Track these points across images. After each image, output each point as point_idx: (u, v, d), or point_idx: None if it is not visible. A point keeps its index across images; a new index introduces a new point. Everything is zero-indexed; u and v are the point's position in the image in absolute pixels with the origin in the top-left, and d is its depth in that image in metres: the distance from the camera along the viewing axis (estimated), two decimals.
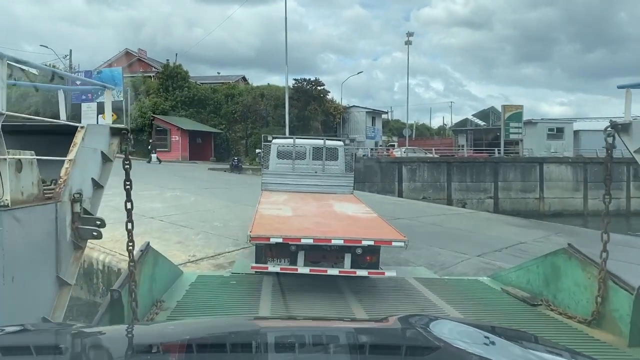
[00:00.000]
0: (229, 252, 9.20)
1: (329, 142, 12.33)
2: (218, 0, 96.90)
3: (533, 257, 13.01)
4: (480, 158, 29.14)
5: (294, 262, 6.68)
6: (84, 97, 38.38)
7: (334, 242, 6.58)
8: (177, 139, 33.72)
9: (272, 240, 6.44)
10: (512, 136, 29.32)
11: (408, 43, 40.96)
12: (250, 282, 6.83)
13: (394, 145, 39.35)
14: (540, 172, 28.21)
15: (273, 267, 6.65)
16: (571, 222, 21.43)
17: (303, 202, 9.40)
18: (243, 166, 29.14)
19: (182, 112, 36.52)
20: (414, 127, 62.23)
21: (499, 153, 29.45)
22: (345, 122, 44.79)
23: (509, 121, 28.99)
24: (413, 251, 10.25)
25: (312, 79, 38.23)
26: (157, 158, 30.48)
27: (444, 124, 71.47)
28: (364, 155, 31.54)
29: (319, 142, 12.42)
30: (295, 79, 37.84)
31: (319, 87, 38.24)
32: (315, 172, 11.58)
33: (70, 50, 38.64)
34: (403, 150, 31.16)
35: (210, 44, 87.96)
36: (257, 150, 22.18)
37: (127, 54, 53.46)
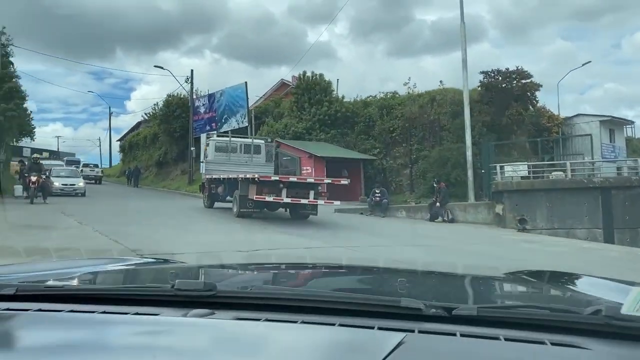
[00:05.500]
0: None
1: (255, 141, 18.81)
2: (409, 53, 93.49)
3: None
4: None
5: (279, 195, 12.34)
6: (208, 127, 32.54)
7: (308, 180, 13.53)
8: (310, 170, 24.50)
9: (272, 178, 12.71)
10: None
11: None
12: None
13: None
14: None
15: (268, 198, 12.32)
16: None
17: None
18: (390, 204, 18.22)
19: (321, 135, 27.47)
20: None
21: None
22: (566, 138, 30.75)
23: None
24: None
25: (510, 68, 25.87)
26: (34, 191, 17.96)
27: None
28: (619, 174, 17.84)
29: (247, 140, 19.11)
30: (483, 72, 25.96)
31: (523, 81, 25.69)
32: (246, 162, 17.44)
33: (192, 71, 33.25)
34: None
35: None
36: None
37: (283, 84, 48.57)
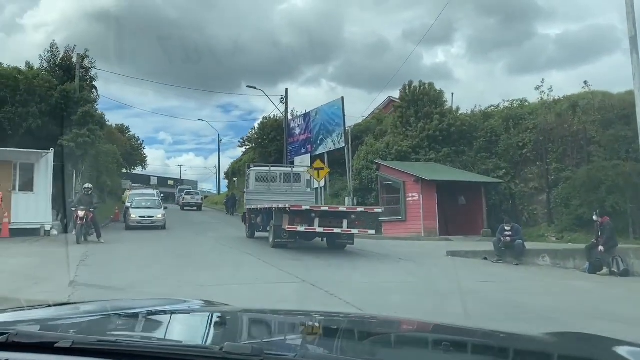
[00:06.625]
0: None
1: (295, 169, 19.52)
2: (533, 68, 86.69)
3: None
4: None
5: (312, 225, 12.41)
6: (303, 150, 29.51)
7: (340, 209, 13.42)
8: (417, 198, 20.15)
9: (303, 208, 12.57)
10: None
11: None
12: None
13: None
14: None
15: (301, 228, 12.49)
16: None
17: None
18: (527, 245, 13.14)
19: (431, 155, 23.03)
20: None
21: None
22: None
23: None
24: None
25: None
26: (81, 228, 14.63)
27: None
28: None
29: (287, 169, 19.84)
30: None
31: None
32: (286, 191, 17.11)
33: (287, 90, 30.59)
34: None
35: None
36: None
37: (391, 102, 45.18)
